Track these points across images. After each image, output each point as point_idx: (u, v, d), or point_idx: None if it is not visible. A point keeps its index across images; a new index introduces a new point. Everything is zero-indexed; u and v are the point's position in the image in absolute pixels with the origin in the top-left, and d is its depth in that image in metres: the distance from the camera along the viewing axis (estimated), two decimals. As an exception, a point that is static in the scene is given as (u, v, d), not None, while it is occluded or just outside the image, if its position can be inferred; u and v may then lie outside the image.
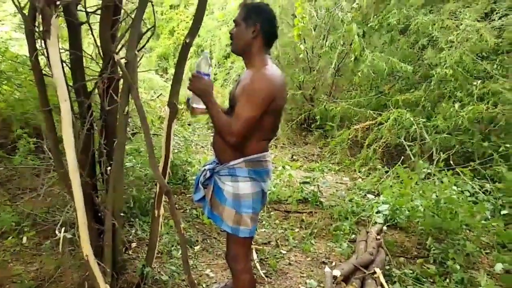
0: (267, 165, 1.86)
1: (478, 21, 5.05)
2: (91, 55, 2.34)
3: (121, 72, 2.13)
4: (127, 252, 2.61)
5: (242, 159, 1.76)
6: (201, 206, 2.02)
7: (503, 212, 3.50)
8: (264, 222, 3.46)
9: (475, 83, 4.67)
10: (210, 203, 1.88)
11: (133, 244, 2.84)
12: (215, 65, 9.59)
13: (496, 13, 5.07)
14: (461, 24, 5.00)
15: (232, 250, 1.88)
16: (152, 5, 2.16)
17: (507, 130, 4.44)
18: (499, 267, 2.63)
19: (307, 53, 6.68)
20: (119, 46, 2.20)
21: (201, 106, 1.80)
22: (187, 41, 2.24)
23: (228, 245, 1.90)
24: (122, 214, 2.41)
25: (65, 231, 2.56)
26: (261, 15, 1.76)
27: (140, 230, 3.03)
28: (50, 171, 3.34)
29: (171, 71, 10.31)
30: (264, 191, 1.89)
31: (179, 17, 12.52)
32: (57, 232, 2.61)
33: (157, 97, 8.67)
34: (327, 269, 2.49)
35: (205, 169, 1.92)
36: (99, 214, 2.30)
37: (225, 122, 1.69)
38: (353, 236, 3.22)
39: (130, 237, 2.94)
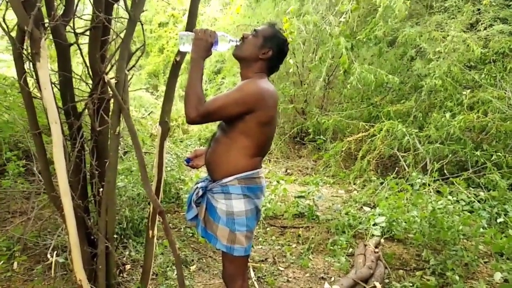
0: (260, 181, 1.84)
1: (464, 32, 5.15)
2: (80, 76, 2.32)
3: (111, 92, 2.11)
4: (121, 274, 2.54)
5: (234, 176, 1.74)
6: (194, 225, 1.98)
7: (499, 220, 3.50)
8: (260, 239, 3.42)
9: (464, 92, 4.73)
10: (203, 222, 1.85)
11: (127, 266, 2.77)
12: (206, 81, 9.62)
13: (481, 24, 5.17)
14: (448, 35, 5.09)
15: (228, 269, 1.83)
16: (142, 24, 2.16)
17: (498, 138, 4.48)
18: (498, 276, 2.61)
19: (297, 67, 6.73)
20: (109, 66, 2.19)
21: (186, 49, 1.75)
22: (177, 59, 2.24)
23: (224, 264, 1.85)
24: (115, 236, 2.36)
25: (57, 255, 2.50)
26: (279, 46, 1.77)
27: (134, 251, 2.97)
28: (40, 193, 3.27)
29: (162, 88, 10.33)
30: (258, 208, 1.86)
31: (168, 35, 12.60)
32: (48, 256, 2.55)
33: (148, 114, 8.66)
34: (326, 285, 2.45)
35: (197, 187, 1.89)
36: (92, 237, 2.25)
37: (198, 95, 1.64)
38: (351, 250, 3.18)
39: (124, 259, 2.87)
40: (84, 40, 2.19)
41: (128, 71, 2.10)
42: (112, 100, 2.25)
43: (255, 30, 1.81)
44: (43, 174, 2.05)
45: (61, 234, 2.84)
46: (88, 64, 2.20)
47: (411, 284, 2.64)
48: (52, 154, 1.87)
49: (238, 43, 1.79)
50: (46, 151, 2.06)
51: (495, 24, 5.10)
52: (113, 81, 2.00)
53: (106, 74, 2.15)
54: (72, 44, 2.14)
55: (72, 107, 2.16)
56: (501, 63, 4.84)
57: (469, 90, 4.79)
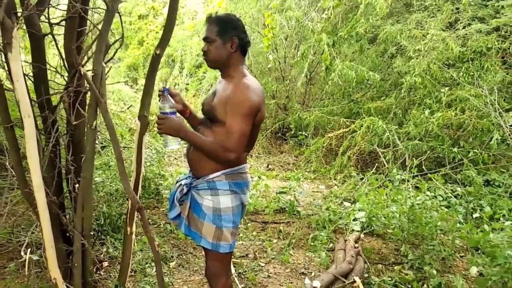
0: (246, 176, 1.83)
1: (443, 30, 5.23)
2: (55, 68, 2.24)
3: (88, 85, 2.05)
4: (98, 272, 2.48)
5: (221, 172, 1.72)
6: (176, 224, 1.94)
7: (475, 215, 3.59)
8: (241, 235, 3.40)
9: (443, 90, 4.82)
10: (187, 220, 1.81)
11: (105, 264, 2.71)
12: (186, 75, 9.50)
13: (460, 23, 5.26)
14: (428, 33, 5.16)
15: (211, 266, 1.81)
16: (120, 16, 2.10)
17: (475, 135, 4.58)
18: (474, 270, 2.67)
19: (279, 63, 6.72)
20: (85, 58, 2.12)
21: (177, 145, 1.80)
22: (157, 52, 2.18)
23: (208, 261, 1.83)
24: (92, 232, 2.30)
25: (31, 253, 2.42)
26: (236, 28, 1.74)
27: (111, 248, 2.90)
28: (13, 189, 3.16)
29: (141, 81, 10.16)
30: (244, 204, 1.85)
31: (148, 27, 12.38)
32: (22, 253, 2.46)
33: (127, 108, 8.50)
34: (307, 280, 2.46)
35: (181, 184, 1.85)
36: (67, 234, 2.18)
37: (216, 144, 1.66)
38: (331, 245, 3.21)
39: (102, 256, 2.81)
40: (60, 31, 2.12)
41: (105, 63, 2.03)
42: (88, 94, 2.19)
43: (205, 38, 1.76)
44: (15, 169, 1.97)
45: (35, 231, 2.75)
46: (63, 56, 2.13)
47: (390, 279, 2.67)
48: (25, 149, 1.80)
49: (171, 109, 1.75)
50: (19, 146, 1.98)
51: (473, 23, 5.20)
52: (89, 74, 1.94)
53: (83, 66, 2.09)
54: (46, 35, 2.06)
55: (47, 100, 2.09)
56: (479, 61, 4.94)
57: (447, 88, 4.88)
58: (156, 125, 1.75)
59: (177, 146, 1.81)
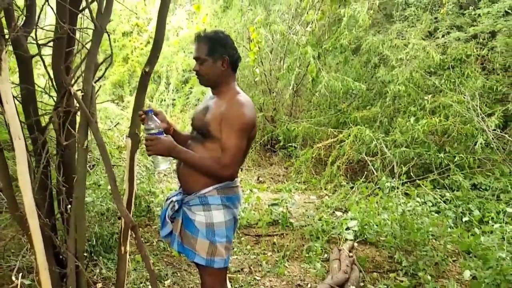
0: (238, 191, 1.83)
1: (423, 39, 5.38)
2: (43, 88, 2.23)
3: (77, 105, 2.04)
4: (92, 294, 2.43)
5: (213, 187, 1.72)
6: (169, 242, 1.93)
7: (464, 219, 3.64)
8: (235, 249, 3.38)
9: (426, 97, 4.93)
10: (179, 237, 1.80)
11: (99, 285, 2.66)
12: (173, 90, 9.50)
13: (439, 31, 5.42)
14: (409, 43, 5.30)
15: (207, 282, 1.80)
16: (108, 35, 2.11)
17: (459, 140, 4.68)
18: (467, 274, 2.70)
19: (265, 76, 6.78)
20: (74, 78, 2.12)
21: (167, 165, 1.79)
22: (147, 70, 2.19)
23: (203, 277, 1.82)
24: (84, 254, 2.26)
25: (22, 277, 2.37)
26: (225, 46, 1.75)
27: (104, 269, 2.85)
28: (1, 212, 3.10)
29: (127, 99, 10.10)
30: (236, 218, 1.85)
31: (133, 44, 12.38)
32: (13, 278, 2.41)
33: (114, 126, 8.44)
34: (303, 292, 2.45)
35: (172, 201, 1.84)
36: (60, 256, 2.15)
37: (211, 161, 1.67)
38: (326, 255, 3.21)
39: (95, 277, 2.76)
40: (46, 51, 2.12)
41: (95, 82, 2.04)
42: (78, 113, 2.18)
43: (196, 57, 1.78)
44: (5, 193, 1.93)
45: (26, 254, 2.70)
46: (51, 76, 2.12)
47: (385, 286, 2.69)
48: (14, 171, 1.78)
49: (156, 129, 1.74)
50: (8, 168, 1.95)
51: (452, 31, 5.36)
52: (79, 94, 1.93)
53: (72, 86, 2.08)
54: (34, 56, 2.06)
55: (36, 121, 2.07)
56: (459, 68, 5.08)
57: (430, 95, 4.99)
58: (145, 146, 1.73)
59: (168, 166, 1.80)
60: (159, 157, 1.74)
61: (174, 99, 9.28)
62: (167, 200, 1.91)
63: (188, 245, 1.75)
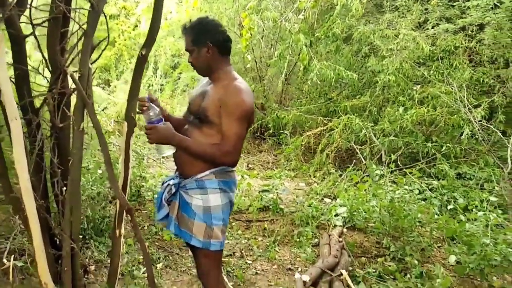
0: (234, 175, 1.85)
1: (413, 30, 5.43)
2: (37, 70, 2.19)
3: (73, 87, 2.02)
4: (86, 276, 2.44)
5: (210, 171, 1.74)
6: (164, 225, 1.94)
7: (449, 207, 3.75)
8: (226, 234, 3.42)
9: (415, 88, 5.00)
10: (176, 220, 1.82)
11: (92, 267, 2.67)
12: (161, 75, 9.39)
13: (429, 23, 5.47)
14: (399, 33, 5.34)
15: (203, 265, 1.83)
16: (105, 16, 2.08)
17: (446, 130, 4.78)
18: (452, 259, 2.79)
19: (256, 63, 6.76)
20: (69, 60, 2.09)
21: (172, 151, 1.78)
22: (143, 53, 2.17)
23: (199, 260, 1.84)
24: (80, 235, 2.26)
25: (14, 259, 2.36)
26: (208, 31, 1.73)
27: (96, 252, 2.86)
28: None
29: (114, 83, 9.94)
30: (232, 202, 1.88)
31: (120, 28, 12.13)
32: (5, 261, 2.40)
33: (102, 110, 8.33)
34: (297, 275, 2.51)
35: (169, 185, 1.86)
36: (55, 238, 2.15)
37: (212, 148, 1.68)
38: (316, 240, 3.27)
39: (87, 260, 2.76)
40: (40, 32, 2.07)
41: (91, 64, 2.01)
42: (72, 95, 2.15)
43: (186, 50, 1.79)
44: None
45: (16, 237, 2.68)
46: (46, 57, 2.09)
47: (373, 270, 2.77)
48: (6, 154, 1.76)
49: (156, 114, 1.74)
50: (1, 149, 1.93)
51: (441, 23, 5.42)
52: (75, 75, 1.91)
53: (67, 67, 2.06)
54: (28, 36, 2.02)
55: (30, 102, 2.05)
56: (448, 60, 5.16)
57: (419, 86, 5.07)
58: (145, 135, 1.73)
59: (172, 151, 1.78)
60: (156, 149, 1.76)
61: (162, 85, 9.19)
62: (163, 183, 1.92)
63: (185, 228, 1.77)
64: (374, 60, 5.48)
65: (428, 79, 5.12)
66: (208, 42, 1.72)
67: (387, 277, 2.72)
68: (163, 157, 1.78)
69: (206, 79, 1.88)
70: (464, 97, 4.62)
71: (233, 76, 1.77)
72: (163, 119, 1.76)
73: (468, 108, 4.53)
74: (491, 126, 4.52)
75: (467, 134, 4.41)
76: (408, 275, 2.69)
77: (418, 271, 2.69)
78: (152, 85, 9.51)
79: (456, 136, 4.69)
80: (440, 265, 2.76)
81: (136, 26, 11.03)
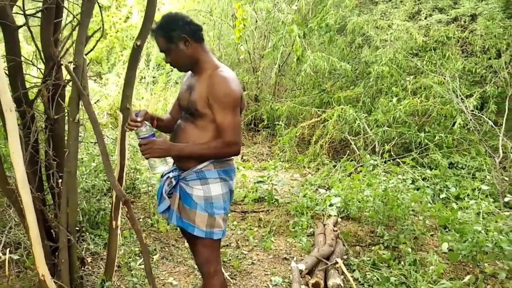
0: (233, 163, 1.87)
1: (406, 21, 5.44)
2: (31, 61, 2.17)
3: (67, 78, 2.01)
4: (83, 268, 2.45)
5: (208, 161, 1.74)
6: (166, 218, 1.95)
7: (442, 196, 3.80)
8: (222, 225, 3.44)
9: (408, 78, 5.03)
10: (178, 211, 1.83)
11: (88, 259, 2.68)
12: (153, 68, 9.30)
13: (422, 13, 5.49)
14: (392, 24, 5.35)
15: (203, 254, 1.84)
16: (100, 6, 2.06)
17: (439, 121, 4.83)
18: (445, 246, 2.84)
19: (249, 54, 6.74)
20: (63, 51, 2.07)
21: (165, 166, 1.74)
22: (138, 43, 2.16)
23: (198, 250, 1.85)
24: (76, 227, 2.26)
25: (10, 252, 2.36)
26: (178, 27, 1.70)
27: (92, 244, 2.86)
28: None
29: (106, 76, 9.84)
30: (232, 190, 1.89)
31: (111, 19, 11.98)
32: (0, 254, 2.39)
33: (95, 103, 8.26)
34: (293, 264, 2.53)
35: (168, 177, 1.86)
36: (51, 230, 2.14)
37: (214, 143, 1.68)
38: (311, 230, 3.30)
39: (83, 252, 2.76)
40: (33, 22, 2.05)
41: (85, 55, 2.00)
42: (67, 87, 2.14)
43: (161, 51, 1.77)
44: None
45: (11, 230, 2.67)
46: (39, 48, 2.07)
47: (368, 258, 2.80)
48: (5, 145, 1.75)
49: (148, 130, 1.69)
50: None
51: (434, 14, 5.44)
52: (70, 66, 1.90)
53: (61, 58, 2.04)
54: (21, 27, 2.00)
55: (24, 94, 2.03)
56: (441, 50, 5.19)
57: (412, 76, 5.09)
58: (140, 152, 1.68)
59: (165, 168, 1.74)
60: (155, 159, 1.70)
61: (155, 77, 9.12)
62: (162, 176, 1.92)
63: (187, 219, 1.78)
64: (367, 51, 5.49)
65: (421, 69, 5.15)
66: (183, 35, 1.69)
67: (381, 265, 2.76)
68: (155, 173, 1.73)
69: (190, 72, 1.87)
70: (456, 87, 4.65)
71: (214, 64, 1.76)
72: (154, 133, 1.71)
73: (461, 98, 4.57)
74: (483, 116, 4.57)
75: (459, 124, 4.46)
76: (402, 263, 2.73)
77: (411, 258, 2.73)
78: (145, 77, 9.44)
79: (448, 126, 4.73)
80: (433, 252, 2.80)
81: (127, 18, 10.88)
